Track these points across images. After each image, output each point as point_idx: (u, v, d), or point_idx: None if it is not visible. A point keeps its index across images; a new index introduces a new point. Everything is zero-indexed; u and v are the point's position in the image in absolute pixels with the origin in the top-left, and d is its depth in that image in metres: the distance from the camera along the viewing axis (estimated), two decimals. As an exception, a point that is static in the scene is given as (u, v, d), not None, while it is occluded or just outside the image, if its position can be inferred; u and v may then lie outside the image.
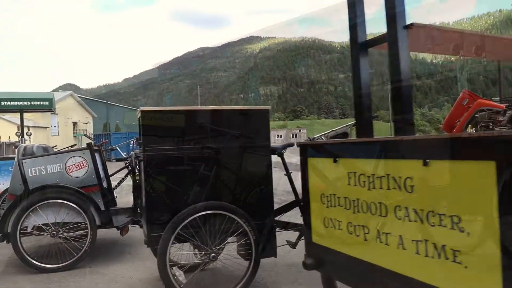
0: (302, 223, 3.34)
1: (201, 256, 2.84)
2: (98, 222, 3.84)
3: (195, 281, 3.03)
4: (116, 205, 4.78)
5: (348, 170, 1.77)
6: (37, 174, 3.78)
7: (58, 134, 43.77)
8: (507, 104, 6.37)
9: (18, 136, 7.76)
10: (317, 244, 2.02)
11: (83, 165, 3.88)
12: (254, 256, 2.82)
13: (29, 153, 4.04)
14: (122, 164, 5.53)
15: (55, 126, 44.62)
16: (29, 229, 3.70)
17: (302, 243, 3.37)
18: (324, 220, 1.95)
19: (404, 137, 1.43)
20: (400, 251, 1.52)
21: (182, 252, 3.11)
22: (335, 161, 1.85)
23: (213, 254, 2.78)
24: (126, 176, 5.69)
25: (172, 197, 2.74)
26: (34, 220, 3.70)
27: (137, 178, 4.20)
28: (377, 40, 1.80)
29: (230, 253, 3.15)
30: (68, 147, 5.61)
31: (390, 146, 1.52)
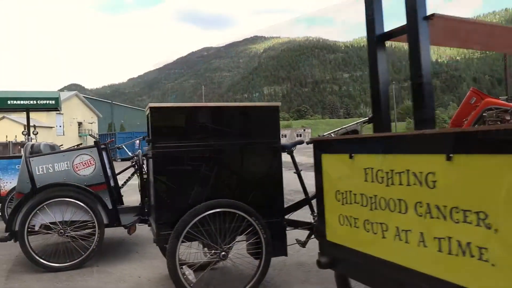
0: (312, 221, 3.32)
1: (211, 255, 2.80)
2: (105, 221, 3.81)
3: (204, 280, 2.99)
4: (123, 204, 4.77)
5: (365, 166, 1.72)
6: (45, 172, 3.76)
7: (64, 134, 43.97)
8: (515, 102, 6.30)
9: (25, 135, 7.76)
10: (331, 242, 1.97)
11: (90, 163, 3.86)
12: (264, 254, 2.77)
13: (36, 151, 4.02)
14: (127, 163, 5.52)
15: (60, 126, 44.84)
16: (36, 228, 3.68)
17: (311, 242, 3.34)
18: (339, 218, 1.90)
19: (425, 131, 1.37)
20: (421, 249, 1.47)
21: (192, 251, 3.07)
22: (351, 157, 1.80)
23: (223, 253, 2.74)
24: (132, 174, 5.67)
25: (182, 195, 2.70)
26: (42, 218, 3.67)
27: (145, 176, 4.17)
28: (395, 32, 1.74)
29: (239, 251, 3.11)
30: (74, 146, 5.59)
31: (411, 140, 1.47)
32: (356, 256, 1.80)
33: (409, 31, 1.59)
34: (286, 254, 2.95)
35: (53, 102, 7.81)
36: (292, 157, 3.35)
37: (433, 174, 1.41)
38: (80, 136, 48.13)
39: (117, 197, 4.30)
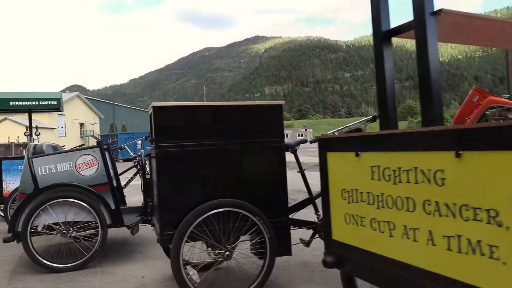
0: (316, 220, 3.30)
1: (215, 255, 2.78)
2: (108, 221, 3.79)
3: (208, 281, 2.97)
4: (126, 204, 4.76)
5: (371, 164, 1.70)
6: (47, 172, 3.74)
7: (65, 135, 44.04)
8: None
9: (27, 136, 7.75)
10: (337, 242, 1.95)
11: (93, 163, 3.84)
12: (269, 254, 2.75)
13: (39, 152, 4.01)
14: (129, 164, 5.51)
15: (62, 127, 44.91)
16: (39, 228, 3.67)
17: (315, 242, 3.32)
18: (345, 217, 1.88)
19: (435, 128, 1.35)
20: (430, 248, 1.45)
21: (195, 251, 3.06)
22: (357, 155, 1.78)
23: (227, 253, 2.72)
24: (135, 175, 5.66)
25: (185, 195, 2.68)
26: (45, 219, 3.66)
27: (147, 176, 4.16)
28: (402, 28, 1.71)
29: (243, 251, 3.09)
30: (77, 147, 5.58)
31: (419, 138, 1.45)
32: (363, 255, 1.78)
33: (417, 27, 1.57)
34: (290, 254, 2.93)
35: (55, 102, 7.80)
36: (296, 156, 3.33)
37: (442, 171, 1.39)
38: (82, 137, 48.19)
39: (119, 198, 4.29)
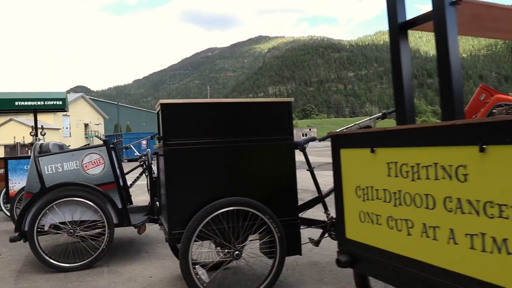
0: (326, 219, 3.25)
1: (224, 254, 2.73)
2: (115, 221, 3.76)
3: (217, 280, 2.93)
4: (132, 204, 4.73)
5: (388, 160, 1.65)
6: (54, 171, 3.72)
7: (70, 136, 44.20)
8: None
9: (33, 135, 7.75)
10: (351, 240, 1.90)
11: (99, 162, 3.81)
12: (278, 254, 2.70)
13: (45, 151, 3.98)
14: (134, 164, 5.48)
15: (67, 128, 45.09)
16: (46, 228, 3.64)
17: (324, 241, 3.28)
18: (359, 215, 1.83)
19: (457, 122, 1.30)
20: (451, 246, 1.40)
21: (204, 250, 3.02)
22: (372, 151, 1.73)
23: (236, 252, 2.67)
24: (140, 174, 5.64)
25: (194, 193, 2.64)
26: (51, 218, 3.63)
27: (154, 175, 4.12)
28: (419, 20, 1.65)
29: (252, 251, 3.05)
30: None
31: (440, 132, 1.40)
32: (379, 254, 1.73)
33: (436, 17, 1.51)
34: (300, 253, 2.89)
35: (60, 102, 7.79)
36: (305, 154, 3.28)
37: (464, 167, 1.34)
38: (86, 137, 48.36)
39: (126, 197, 4.26)
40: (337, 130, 3.34)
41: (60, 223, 3.67)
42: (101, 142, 3.94)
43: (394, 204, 1.64)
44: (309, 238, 3.18)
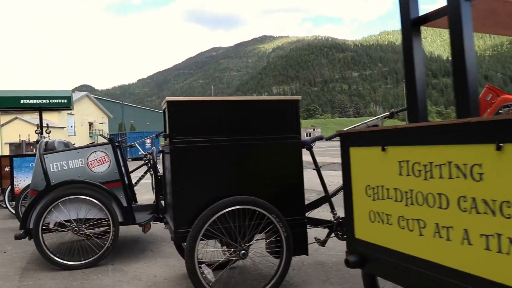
0: (332, 219, 3.22)
1: (230, 254, 2.71)
2: (120, 219, 3.74)
3: (223, 280, 2.91)
4: (137, 202, 4.71)
5: (399, 159, 1.62)
6: (59, 169, 3.71)
7: (75, 134, 44.35)
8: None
9: (38, 133, 7.76)
10: (360, 240, 1.87)
11: (105, 160, 3.80)
12: (285, 253, 2.67)
13: (50, 148, 3.97)
14: (138, 163, 5.46)
15: (71, 126, 45.25)
16: (51, 225, 3.63)
17: (330, 241, 3.24)
18: (369, 214, 1.80)
19: (472, 119, 1.27)
20: (465, 247, 1.36)
21: (209, 250, 2.99)
22: (383, 150, 1.70)
23: (243, 252, 2.65)
24: (145, 173, 5.63)
25: (200, 191, 2.61)
26: (56, 216, 3.63)
27: (159, 173, 4.11)
28: (433, 15, 1.62)
29: (256, 250, 3.02)
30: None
31: (454, 130, 1.36)
32: (389, 255, 1.70)
33: (450, 12, 1.47)
34: (307, 253, 2.86)
35: (66, 101, 7.79)
36: (312, 153, 3.25)
37: (479, 166, 1.30)
38: (91, 136, 48.53)
39: (131, 195, 4.25)
40: (345, 129, 3.31)
41: (65, 221, 3.66)
42: (108, 138, 3.93)
43: (405, 203, 1.61)
44: (315, 238, 3.15)
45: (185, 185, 2.59)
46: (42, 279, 3.37)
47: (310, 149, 3.22)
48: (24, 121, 36.81)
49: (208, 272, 2.60)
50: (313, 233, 3.43)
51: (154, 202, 4.33)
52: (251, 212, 2.63)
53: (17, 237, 3.57)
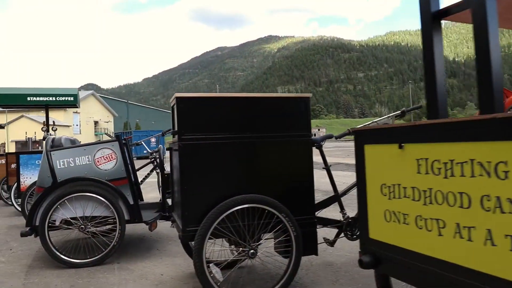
0: (342, 219, 3.17)
1: (238, 253, 2.66)
2: (127, 217, 3.71)
3: (231, 279, 2.86)
4: (143, 200, 4.68)
5: (417, 156, 1.57)
6: (66, 166, 3.68)
7: (80, 133, 44.55)
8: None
9: (44, 131, 7.76)
10: (375, 240, 1.82)
11: (112, 157, 3.76)
12: (294, 253, 2.63)
13: (57, 145, 3.95)
14: (143, 161, 5.43)
15: (77, 125, 45.47)
16: (57, 223, 3.61)
17: (339, 241, 3.19)
18: (385, 214, 1.75)
19: (497, 115, 1.21)
20: (488, 248, 1.31)
21: (217, 249, 2.95)
22: (400, 147, 1.65)
23: (252, 251, 2.60)
24: (151, 171, 5.60)
25: (209, 189, 2.57)
26: (62, 213, 3.60)
27: (166, 171, 4.07)
28: (455, 8, 1.56)
29: (267, 250, 2.98)
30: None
31: (477, 126, 1.31)
32: (406, 256, 1.65)
33: (474, 6, 1.41)
34: (316, 253, 2.81)
35: (72, 99, 7.80)
36: (321, 152, 3.20)
37: (505, 163, 1.25)
38: (96, 134, 48.73)
39: (137, 193, 4.21)
40: (359, 126, 3.26)
41: (71, 218, 3.63)
42: (115, 136, 3.90)
43: (423, 202, 1.56)
44: (324, 238, 3.10)
45: (193, 182, 2.54)
46: (48, 276, 3.34)
47: (320, 147, 3.17)
48: (30, 119, 37.02)
49: (216, 271, 2.56)
50: (321, 233, 3.38)
51: (160, 200, 4.30)
52: (261, 211, 2.58)
53: (23, 234, 3.55)
